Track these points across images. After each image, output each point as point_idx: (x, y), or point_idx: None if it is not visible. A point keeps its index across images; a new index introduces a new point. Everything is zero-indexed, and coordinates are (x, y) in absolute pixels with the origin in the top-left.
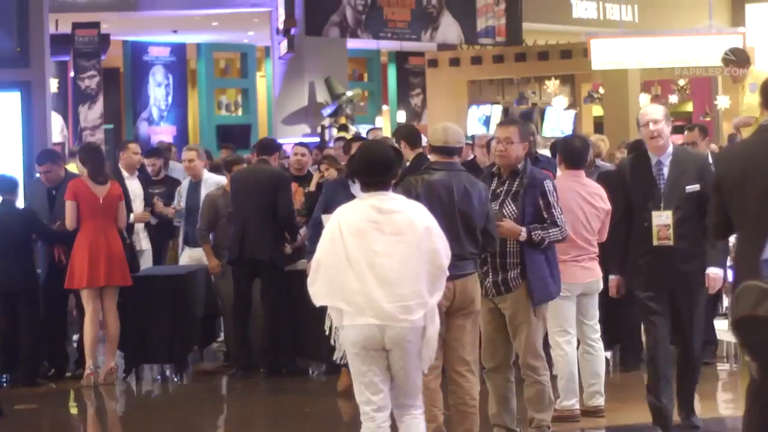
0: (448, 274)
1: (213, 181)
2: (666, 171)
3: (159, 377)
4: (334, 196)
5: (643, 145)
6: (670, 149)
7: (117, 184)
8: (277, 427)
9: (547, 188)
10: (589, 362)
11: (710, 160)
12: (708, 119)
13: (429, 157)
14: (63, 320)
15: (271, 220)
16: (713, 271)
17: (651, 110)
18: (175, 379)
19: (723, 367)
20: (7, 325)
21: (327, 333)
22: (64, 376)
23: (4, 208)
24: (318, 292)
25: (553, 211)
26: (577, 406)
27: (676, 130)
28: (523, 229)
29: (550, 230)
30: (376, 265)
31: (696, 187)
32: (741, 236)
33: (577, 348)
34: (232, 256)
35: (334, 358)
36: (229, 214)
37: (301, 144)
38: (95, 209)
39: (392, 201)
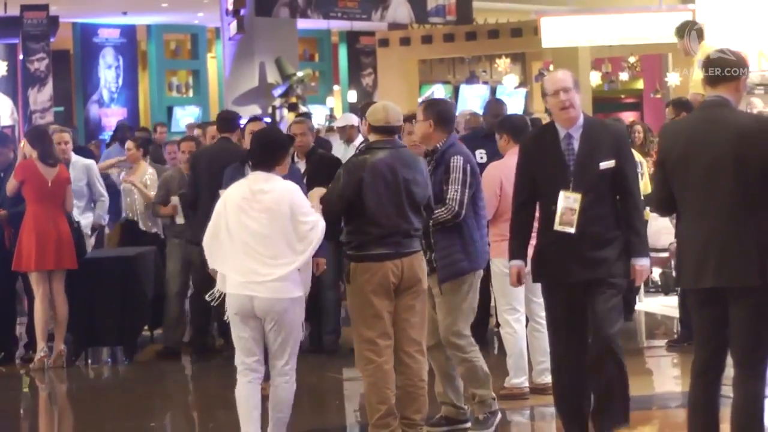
0: (313, 245)
1: (81, 165)
2: (576, 145)
3: (109, 360)
4: (232, 179)
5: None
6: (581, 121)
7: (65, 167)
8: (228, 409)
9: (452, 164)
10: (538, 340)
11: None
12: (658, 96)
13: (368, 136)
14: (11, 304)
15: None
16: (640, 263)
17: (560, 77)
18: (125, 362)
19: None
20: None
21: (217, 296)
22: (14, 360)
23: None
24: (209, 256)
25: (449, 187)
26: (527, 384)
27: (628, 107)
28: None
29: (435, 210)
30: (247, 239)
31: (611, 163)
32: (683, 212)
33: (526, 326)
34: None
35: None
36: (182, 195)
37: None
38: (43, 192)
39: (265, 182)
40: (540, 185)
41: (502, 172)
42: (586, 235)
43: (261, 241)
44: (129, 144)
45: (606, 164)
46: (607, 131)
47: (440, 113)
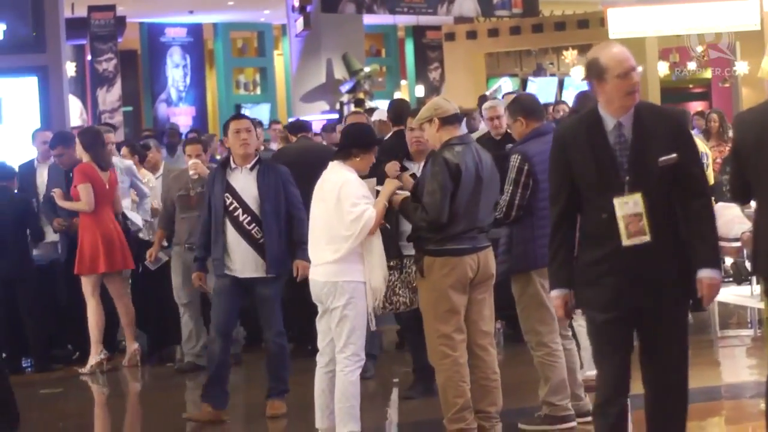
0: (357, 233)
1: (123, 166)
2: (629, 136)
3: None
4: (213, 179)
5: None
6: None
7: (112, 169)
8: (303, 407)
9: (510, 162)
10: None
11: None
12: (727, 85)
13: (439, 134)
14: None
15: None
16: (708, 275)
17: (625, 54)
18: None
19: (747, 333)
20: (9, 313)
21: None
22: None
23: (0, 195)
24: None
25: (504, 186)
26: None
27: (696, 97)
28: None
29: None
30: (314, 225)
31: (672, 157)
32: (758, 199)
33: None
34: None
35: None
36: (180, 198)
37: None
38: (103, 194)
39: (330, 172)
40: (583, 188)
41: None
42: (650, 249)
43: (319, 227)
44: (123, 150)
45: (666, 158)
46: (664, 118)
47: (522, 107)
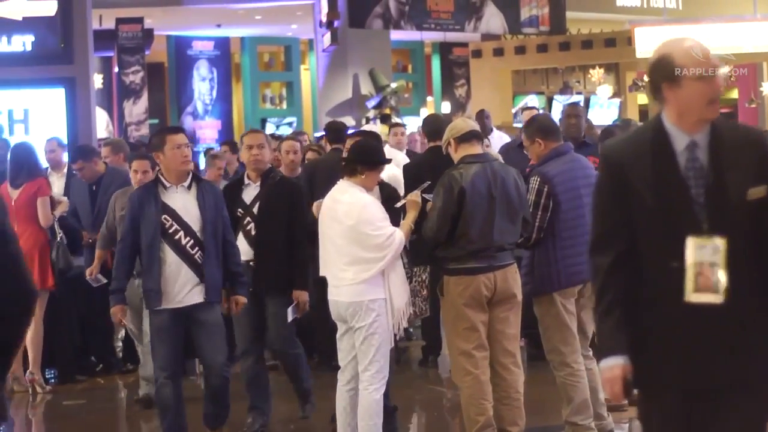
0: (386, 256)
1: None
2: (704, 160)
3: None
4: (138, 200)
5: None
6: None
7: (33, 183)
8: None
9: (530, 184)
10: None
11: None
12: (753, 105)
13: (456, 153)
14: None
15: None
16: None
17: (707, 49)
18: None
19: None
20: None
21: None
22: (112, 372)
23: None
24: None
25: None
26: None
27: (723, 117)
28: None
29: None
30: (329, 246)
31: (761, 189)
32: None
33: None
34: None
35: None
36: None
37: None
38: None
39: (342, 193)
40: (642, 227)
41: None
42: (728, 309)
43: (337, 248)
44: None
45: (756, 191)
46: (747, 139)
47: (539, 128)
